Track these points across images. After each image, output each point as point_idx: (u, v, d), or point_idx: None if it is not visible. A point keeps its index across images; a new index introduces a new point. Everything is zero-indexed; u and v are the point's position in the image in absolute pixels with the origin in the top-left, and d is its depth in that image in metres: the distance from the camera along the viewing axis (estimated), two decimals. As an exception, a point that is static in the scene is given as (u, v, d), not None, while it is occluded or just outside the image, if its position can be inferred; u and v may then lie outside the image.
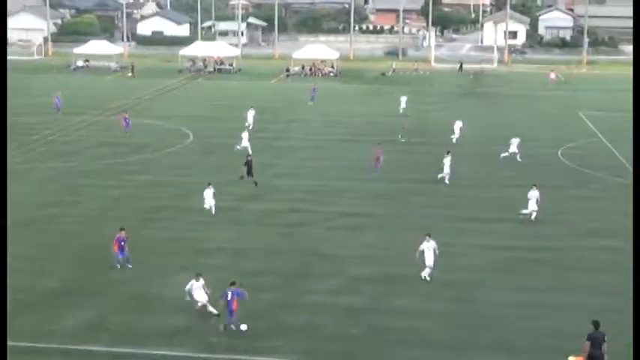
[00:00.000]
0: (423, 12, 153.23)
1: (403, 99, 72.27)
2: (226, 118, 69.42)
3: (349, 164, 52.25)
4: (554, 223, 40.55)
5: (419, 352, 26.50)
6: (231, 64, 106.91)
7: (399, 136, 60.59)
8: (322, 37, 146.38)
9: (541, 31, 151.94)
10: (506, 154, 53.39)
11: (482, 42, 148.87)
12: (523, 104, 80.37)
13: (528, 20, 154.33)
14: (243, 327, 27.30)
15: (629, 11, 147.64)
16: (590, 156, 55.98)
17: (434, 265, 32.28)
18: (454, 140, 59.00)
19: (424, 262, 32.27)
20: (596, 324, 24.61)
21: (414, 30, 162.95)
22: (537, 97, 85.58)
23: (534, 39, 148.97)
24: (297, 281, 32.36)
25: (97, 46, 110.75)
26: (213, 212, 40.04)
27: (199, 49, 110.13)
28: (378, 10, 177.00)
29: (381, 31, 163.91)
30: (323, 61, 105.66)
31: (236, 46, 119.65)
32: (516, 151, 53.24)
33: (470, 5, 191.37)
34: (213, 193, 40.30)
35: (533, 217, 40.38)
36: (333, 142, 59.63)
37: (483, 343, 27.16)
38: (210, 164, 52.08)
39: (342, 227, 39.48)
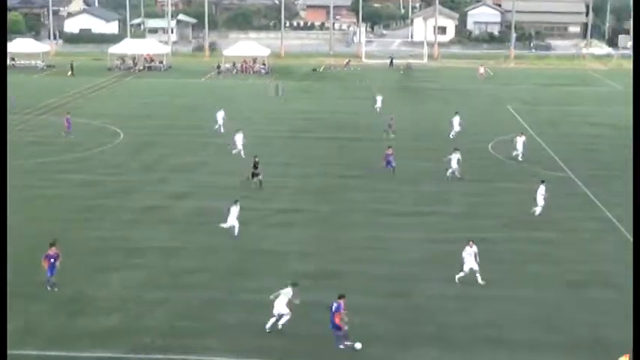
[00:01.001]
0: (353, 8, 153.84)
1: (379, 98, 71.94)
2: (157, 117, 68.68)
3: (286, 161, 52.13)
4: (487, 215, 41.04)
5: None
6: (161, 62, 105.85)
7: (385, 133, 60.76)
8: (253, 34, 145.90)
9: (470, 26, 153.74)
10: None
11: (412, 37, 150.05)
12: (453, 99, 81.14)
13: (457, 16, 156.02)
14: (358, 345, 26.37)
15: (555, 6, 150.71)
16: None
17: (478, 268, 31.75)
18: (451, 135, 59.76)
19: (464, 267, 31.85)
20: None
21: (344, 26, 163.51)
22: (467, 92, 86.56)
23: (463, 34, 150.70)
24: (233, 279, 32.13)
25: (22, 45, 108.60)
26: (236, 233, 36.89)
27: (129, 46, 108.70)
28: (309, 7, 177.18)
29: (312, 27, 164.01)
30: (254, 58, 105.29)
31: (166, 43, 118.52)
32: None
33: (399, 1, 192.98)
34: (238, 212, 37.12)
35: (537, 212, 40.74)
36: (269, 138, 59.36)
37: (420, 336, 27.32)
38: (142, 162, 51.47)
39: (279, 224, 39.34)
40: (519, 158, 52.52)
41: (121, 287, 30.89)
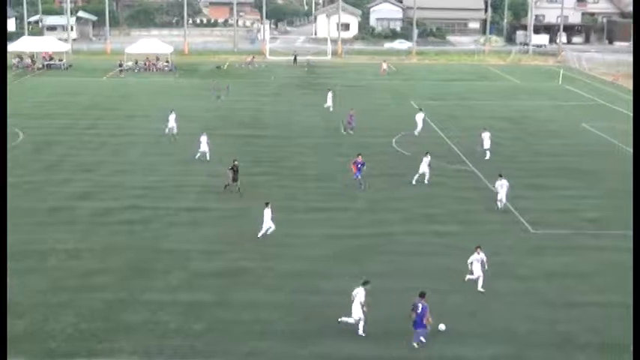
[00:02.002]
0: (257, 5, 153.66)
1: (329, 95, 71.60)
2: (58, 116, 67.21)
3: (190, 159, 51.67)
4: (391, 210, 41.51)
5: (265, 344, 26.51)
6: (61, 60, 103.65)
7: (342, 129, 60.70)
8: (155, 31, 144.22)
9: (372, 22, 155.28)
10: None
11: (315, 34, 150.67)
12: (357, 94, 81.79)
13: (360, 12, 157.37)
14: (441, 326, 27.12)
15: (455, 3, 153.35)
16: (423, 144, 57.44)
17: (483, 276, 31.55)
18: (416, 133, 59.89)
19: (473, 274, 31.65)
20: None
21: (248, 23, 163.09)
22: (370, 88, 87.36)
23: (366, 30, 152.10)
24: (137, 279, 31.72)
25: None
26: (268, 232, 36.53)
27: (27, 44, 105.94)
28: (212, 4, 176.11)
29: (215, 24, 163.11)
30: (157, 55, 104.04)
31: (65, 41, 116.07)
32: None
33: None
34: (271, 214, 36.58)
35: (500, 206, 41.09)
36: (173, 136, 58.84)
37: (329, 331, 27.44)
38: (44, 163, 50.32)
39: (183, 223, 39.01)
40: (486, 156, 52.70)
41: (25, 292, 30.17)
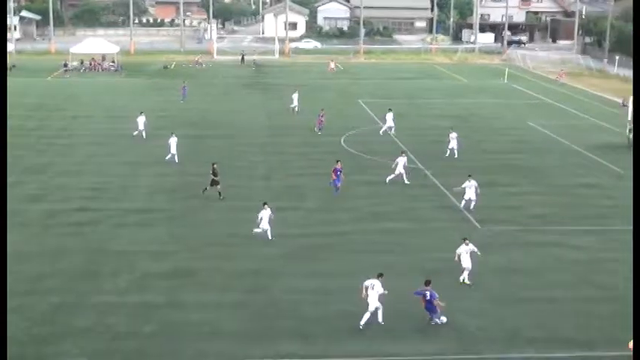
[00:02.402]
0: (204, 4, 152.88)
1: (295, 96, 71.06)
2: (2, 117, 66.18)
3: (138, 159, 51.29)
4: (341, 209, 41.61)
5: (215, 344, 26.40)
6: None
7: (316, 129, 60.54)
8: (101, 31, 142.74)
9: (320, 21, 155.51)
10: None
11: (263, 33, 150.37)
12: (305, 94, 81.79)
13: (307, 11, 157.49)
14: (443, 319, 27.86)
15: (401, 2, 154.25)
16: (371, 142, 57.85)
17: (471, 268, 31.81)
18: (391, 131, 59.92)
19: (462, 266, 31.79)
20: None
21: (195, 22, 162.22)
22: (318, 87, 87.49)
23: (314, 30, 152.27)
24: (85, 281, 31.36)
25: None
26: (270, 237, 36.10)
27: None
28: (158, 3, 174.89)
29: (162, 24, 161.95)
30: (103, 55, 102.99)
31: (9, 41, 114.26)
32: (455, 146, 52.95)
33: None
34: (270, 215, 36.18)
35: (471, 206, 41.12)
36: (120, 137, 58.31)
37: (280, 330, 27.44)
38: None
39: (131, 224, 38.69)
40: (455, 155, 53.02)
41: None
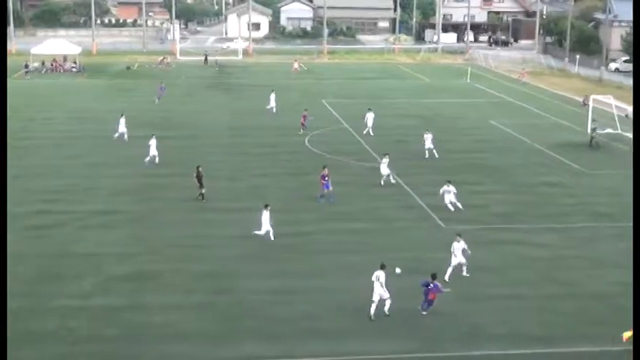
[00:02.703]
0: (166, 4, 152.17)
1: (272, 97, 70.74)
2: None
3: (99, 161, 50.90)
4: (304, 209, 41.59)
5: (179, 346, 26.25)
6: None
7: (300, 130, 60.28)
8: (62, 32, 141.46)
9: (283, 22, 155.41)
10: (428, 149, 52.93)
11: (226, 34, 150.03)
12: (268, 94, 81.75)
13: (270, 12, 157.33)
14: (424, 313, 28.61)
15: (364, 2, 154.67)
16: (335, 142, 57.90)
17: (466, 261, 32.21)
18: (365, 132, 59.76)
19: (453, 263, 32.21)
20: None
21: (157, 23, 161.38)
22: (282, 87, 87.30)
23: (277, 30, 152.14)
24: (47, 285, 31.01)
25: None
26: (272, 238, 36.02)
27: None
28: (120, 3, 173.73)
29: (124, 24, 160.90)
30: (65, 56, 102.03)
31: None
32: (432, 146, 53.37)
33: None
34: (270, 217, 36.12)
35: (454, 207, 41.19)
36: (81, 139, 57.83)
37: (243, 332, 27.35)
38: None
39: (94, 226, 38.34)
40: (435, 155, 52.94)
41: None
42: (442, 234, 37.68)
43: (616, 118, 63.15)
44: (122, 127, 56.73)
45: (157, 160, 49.88)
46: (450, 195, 41.00)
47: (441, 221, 39.60)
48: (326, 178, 42.40)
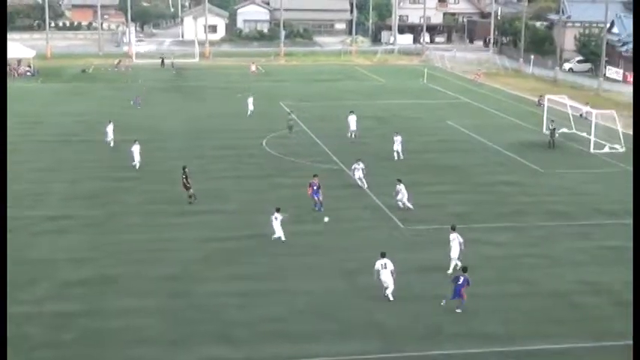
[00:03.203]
0: (122, 7, 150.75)
1: (250, 100, 70.33)
2: None
3: (53, 166, 50.30)
4: (263, 211, 41.32)
5: (138, 350, 25.98)
6: None
7: (289, 130, 59.89)
8: (16, 35, 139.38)
9: (240, 24, 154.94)
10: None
11: (183, 36, 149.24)
12: (226, 97, 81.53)
13: (227, 14, 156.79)
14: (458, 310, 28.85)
15: (321, 4, 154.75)
16: (293, 144, 57.81)
17: (459, 257, 32.79)
18: (353, 135, 59.30)
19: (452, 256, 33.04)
20: None
21: (113, 26, 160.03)
22: (241, 90, 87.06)
23: (234, 32, 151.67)
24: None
25: None
26: (283, 239, 36.53)
27: None
28: (74, 6, 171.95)
29: (79, 27, 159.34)
30: (19, 60, 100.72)
31: None
32: (399, 148, 53.30)
33: (169, 0, 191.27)
34: (282, 220, 36.62)
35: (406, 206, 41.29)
36: (33, 143, 57.09)
37: (204, 335, 27.15)
38: None
39: (48, 231, 37.84)
40: (400, 157, 52.89)
41: None
42: (401, 234, 37.76)
43: (571, 118, 63.81)
44: (110, 134, 55.94)
45: (137, 165, 49.51)
46: (402, 194, 41.21)
47: (400, 222, 39.66)
48: (314, 187, 41.67)
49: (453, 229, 33.37)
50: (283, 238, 36.44)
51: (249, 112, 69.63)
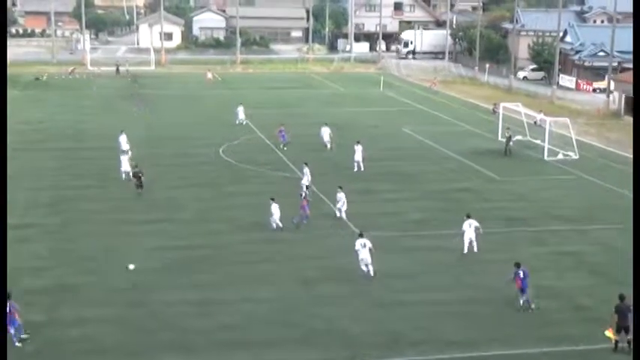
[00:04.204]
0: (76, 14, 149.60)
1: (240, 109, 69.80)
2: None
3: (11, 174, 49.46)
4: (220, 219, 41.32)
5: (96, 360, 25.85)
6: None
7: (281, 145, 58.96)
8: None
9: (196, 32, 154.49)
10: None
11: (138, 44, 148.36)
12: (183, 104, 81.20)
13: (183, 22, 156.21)
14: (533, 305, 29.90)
15: (277, 12, 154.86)
16: (250, 152, 57.74)
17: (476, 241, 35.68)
18: (328, 146, 58.64)
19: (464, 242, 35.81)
20: (621, 297, 26.51)
21: (67, 33, 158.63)
22: (196, 97, 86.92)
23: (190, 40, 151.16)
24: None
25: None
26: (281, 225, 39.16)
27: None
28: (28, 13, 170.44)
29: (33, 34, 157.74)
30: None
31: None
32: (360, 158, 52.46)
33: (123, 7, 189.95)
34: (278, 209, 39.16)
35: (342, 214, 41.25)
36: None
37: (161, 344, 27.01)
38: None
39: (9, 240, 36.98)
40: (361, 168, 52.27)
41: None
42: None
43: (525, 126, 64.54)
44: (124, 145, 53.45)
45: (123, 175, 48.63)
46: (341, 202, 41.33)
47: (357, 229, 39.71)
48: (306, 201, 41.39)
49: (468, 216, 36.44)
50: (281, 225, 38.94)
51: (237, 121, 69.06)
